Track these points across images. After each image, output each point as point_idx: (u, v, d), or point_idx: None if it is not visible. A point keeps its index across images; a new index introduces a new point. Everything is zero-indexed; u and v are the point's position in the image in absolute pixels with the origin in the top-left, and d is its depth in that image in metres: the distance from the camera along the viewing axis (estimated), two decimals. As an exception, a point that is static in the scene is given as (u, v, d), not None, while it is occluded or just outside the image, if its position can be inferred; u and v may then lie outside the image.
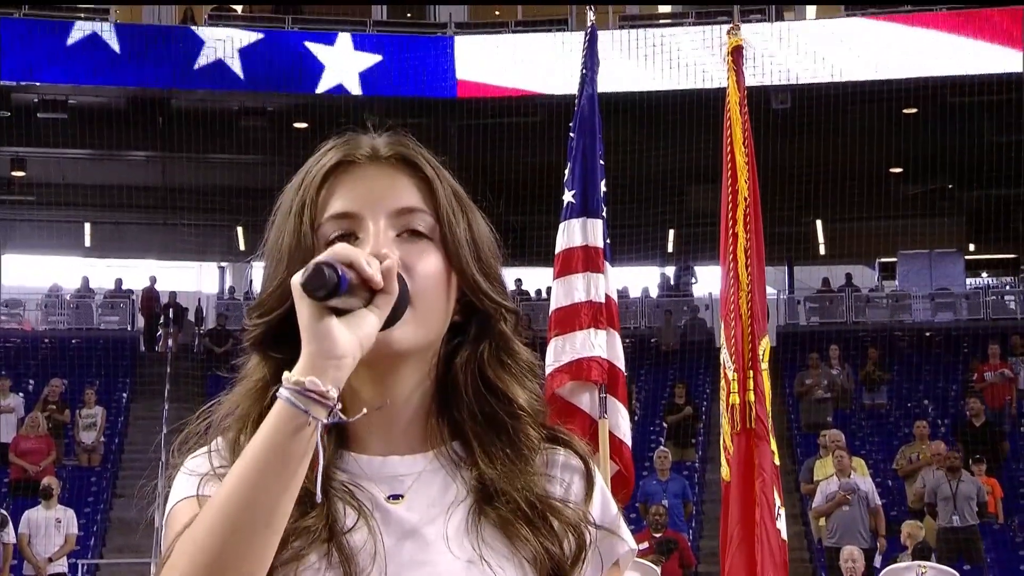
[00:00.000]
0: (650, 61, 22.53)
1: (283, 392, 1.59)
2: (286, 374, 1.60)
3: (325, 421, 1.59)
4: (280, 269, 1.78)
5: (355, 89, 22.83)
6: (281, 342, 1.75)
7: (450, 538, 1.74)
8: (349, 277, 1.60)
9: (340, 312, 1.61)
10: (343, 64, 22.79)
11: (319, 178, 1.79)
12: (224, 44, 22.68)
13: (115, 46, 22.57)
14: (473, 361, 1.82)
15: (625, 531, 1.87)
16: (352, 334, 1.61)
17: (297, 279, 1.61)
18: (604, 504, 1.85)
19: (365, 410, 1.70)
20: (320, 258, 1.60)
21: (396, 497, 1.77)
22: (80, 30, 22.71)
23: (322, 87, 22.84)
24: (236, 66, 22.65)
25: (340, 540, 1.70)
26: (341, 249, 1.63)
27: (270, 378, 1.76)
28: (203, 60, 22.63)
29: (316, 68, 22.79)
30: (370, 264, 1.62)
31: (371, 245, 1.72)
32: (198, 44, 22.76)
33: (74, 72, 22.60)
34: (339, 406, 1.60)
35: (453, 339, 1.83)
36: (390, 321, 1.67)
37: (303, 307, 1.61)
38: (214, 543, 1.57)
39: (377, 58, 22.93)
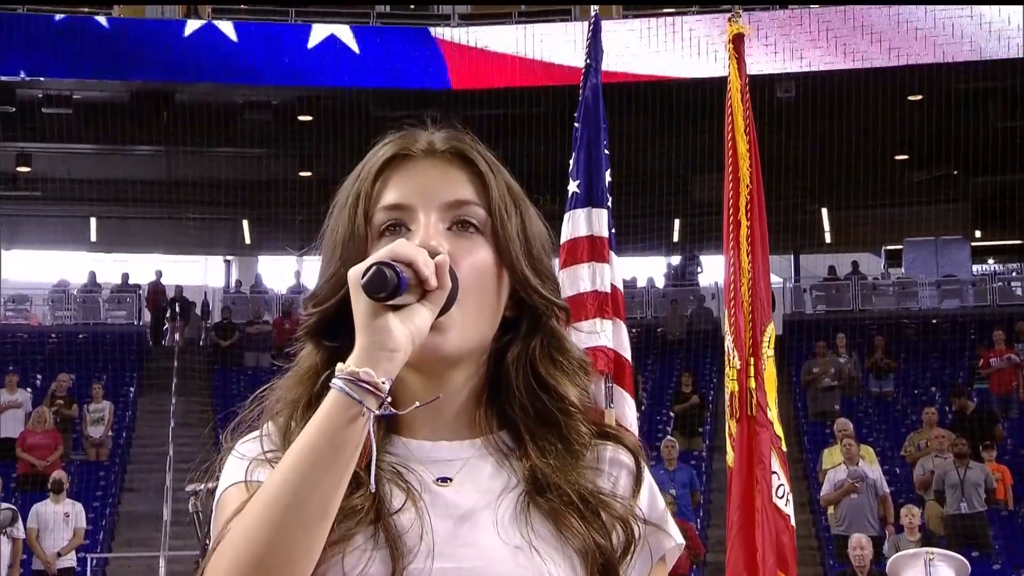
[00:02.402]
0: (655, 50, 22.50)
1: (337, 382, 1.62)
2: (340, 365, 1.63)
3: (376, 412, 1.62)
4: (334, 259, 1.80)
5: (355, 81, 22.83)
6: (334, 331, 1.77)
7: (499, 523, 1.75)
8: (407, 277, 1.62)
9: (395, 307, 1.64)
10: (341, 56, 22.77)
11: (374, 170, 1.82)
12: (225, 36, 22.67)
13: (120, 40, 22.56)
14: (524, 357, 1.83)
15: (672, 526, 1.87)
16: (405, 328, 1.64)
17: (355, 276, 1.64)
18: (652, 499, 1.85)
19: (418, 403, 1.73)
20: (380, 258, 1.63)
21: (445, 480, 1.78)
22: (84, 25, 22.70)
23: (320, 78, 22.83)
24: (237, 58, 22.65)
25: (387, 521, 1.71)
26: (400, 248, 1.65)
27: (321, 366, 1.78)
28: (205, 53, 22.62)
29: (315, 59, 22.77)
30: (427, 265, 1.65)
31: (420, 236, 1.74)
32: (200, 37, 22.74)
33: (78, 67, 22.61)
34: (390, 399, 1.63)
35: (505, 334, 1.84)
36: (440, 312, 1.70)
37: (359, 301, 1.64)
38: (264, 532, 1.59)
39: (377, 50, 22.92)
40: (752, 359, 6.10)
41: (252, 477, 1.74)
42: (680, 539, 1.88)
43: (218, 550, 1.63)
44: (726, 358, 6.20)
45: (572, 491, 1.77)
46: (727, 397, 6.15)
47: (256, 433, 1.82)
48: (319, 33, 22.91)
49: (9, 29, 22.37)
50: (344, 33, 22.98)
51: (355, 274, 1.64)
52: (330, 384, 1.63)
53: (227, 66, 22.68)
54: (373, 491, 1.67)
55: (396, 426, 1.80)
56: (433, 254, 1.68)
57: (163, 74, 22.89)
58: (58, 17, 22.67)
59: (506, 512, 1.76)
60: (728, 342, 6.17)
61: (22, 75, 22.64)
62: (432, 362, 1.74)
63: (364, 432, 1.62)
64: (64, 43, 22.39)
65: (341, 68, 22.79)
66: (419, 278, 1.64)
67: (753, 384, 6.07)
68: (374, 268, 1.61)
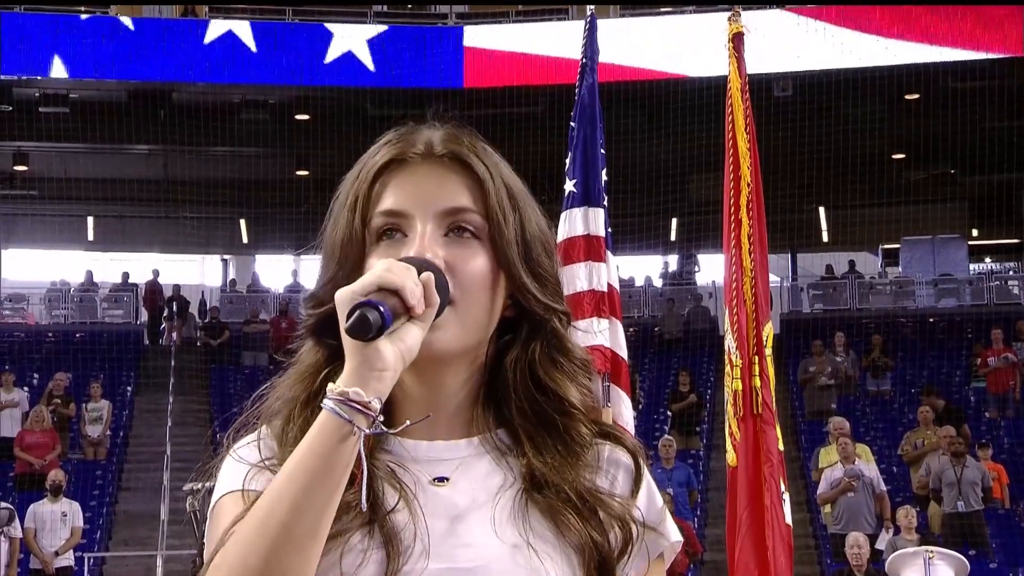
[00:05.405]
0: (651, 49, 22.49)
1: (327, 403, 1.62)
2: (330, 385, 1.64)
3: (367, 431, 1.62)
4: (332, 262, 1.80)
5: (357, 79, 22.82)
6: (335, 329, 1.75)
7: (496, 522, 1.75)
8: (392, 306, 1.62)
9: None
10: (346, 53, 22.76)
11: (372, 173, 1.80)
12: (227, 35, 22.66)
13: (116, 39, 22.56)
14: (524, 360, 1.83)
15: (670, 523, 1.87)
16: (395, 348, 1.64)
17: (343, 300, 1.62)
18: (650, 499, 1.85)
19: (408, 422, 1.74)
20: (366, 290, 1.62)
21: (441, 480, 1.78)
22: (81, 24, 22.69)
23: (327, 79, 22.83)
24: (240, 57, 22.64)
25: (383, 521, 1.71)
26: (387, 276, 1.63)
27: (322, 363, 1.79)
28: (206, 52, 22.61)
29: (321, 60, 22.77)
30: (413, 294, 1.64)
31: (416, 246, 1.74)
32: (200, 36, 22.75)
33: (76, 66, 22.60)
34: (381, 418, 1.63)
35: (504, 334, 1.83)
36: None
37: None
38: (256, 556, 1.59)
39: (379, 47, 22.90)
40: (756, 357, 6.10)
41: (250, 486, 1.74)
42: (678, 537, 1.88)
43: (211, 571, 1.63)
44: (727, 357, 6.19)
45: (570, 489, 1.77)
46: (730, 396, 6.14)
47: (253, 436, 1.81)
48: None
49: (6, 28, 22.35)
50: (346, 30, 22.97)
51: (342, 297, 1.63)
52: (320, 404, 1.63)
53: (228, 65, 22.67)
54: (364, 510, 1.67)
55: (392, 425, 1.80)
56: (421, 271, 1.67)
57: (160, 73, 22.88)
58: (57, 16, 22.66)
59: (504, 510, 1.76)
60: (730, 340, 6.16)
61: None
62: (425, 359, 1.73)
63: (355, 451, 1.62)
64: (62, 42, 22.38)
65: (341, 69, 22.78)
66: (406, 305, 1.64)
67: (758, 383, 6.06)
68: (357, 313, 1.60)
